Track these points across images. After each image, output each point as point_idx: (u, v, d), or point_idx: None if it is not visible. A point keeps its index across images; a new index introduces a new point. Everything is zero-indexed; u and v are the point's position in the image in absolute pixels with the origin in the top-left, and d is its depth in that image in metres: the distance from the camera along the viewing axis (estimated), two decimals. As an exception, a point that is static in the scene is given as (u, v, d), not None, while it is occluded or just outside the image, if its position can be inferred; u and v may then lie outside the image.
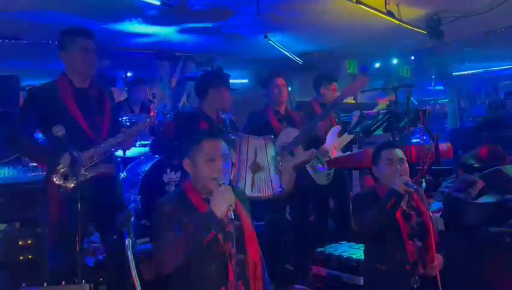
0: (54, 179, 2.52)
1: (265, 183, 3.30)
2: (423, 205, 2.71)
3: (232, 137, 3.23)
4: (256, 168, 3.25)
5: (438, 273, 2.56)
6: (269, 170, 3.32)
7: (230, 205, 1.97)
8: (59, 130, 2.41)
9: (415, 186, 2.58)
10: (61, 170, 2.53)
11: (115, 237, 2.67)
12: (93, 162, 2.64)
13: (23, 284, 2.04)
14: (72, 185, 2.52)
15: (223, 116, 3.51)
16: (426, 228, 2.60)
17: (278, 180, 3.31)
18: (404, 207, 2.66)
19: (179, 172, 4.11)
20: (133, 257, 1.74)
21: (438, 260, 2.65)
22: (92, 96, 2.82)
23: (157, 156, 4.44)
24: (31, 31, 5.16)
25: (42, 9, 4.57)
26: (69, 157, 2.52)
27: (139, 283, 1.72)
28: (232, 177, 3.03)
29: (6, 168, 3.53)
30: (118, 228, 2.73)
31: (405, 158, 2.73)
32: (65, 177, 2.53)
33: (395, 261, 2.59)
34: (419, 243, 2.63)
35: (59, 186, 2.52)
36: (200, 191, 2.13)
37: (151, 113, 3.04)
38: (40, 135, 2.95)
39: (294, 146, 3.63)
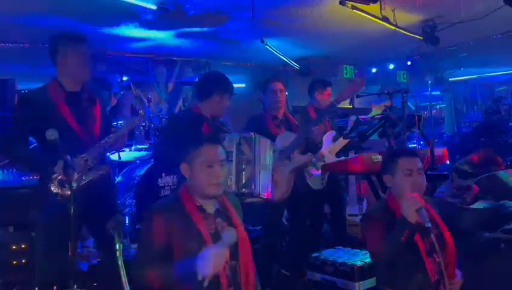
0: (52, 189, 2.50)
1: (268, 184, 3.26)
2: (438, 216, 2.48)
3: (244, 134, 3.15)
4: (264, 168, 3.20)
5: None
6: (267, 173, 3.28)
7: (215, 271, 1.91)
8: (52, 134, 2.39)
9: (429, 224, 2.24)
10: (58, 178, 2.51)
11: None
12: (89, 166, 2.62)
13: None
14: (69, 192, 2.48)
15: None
16: (444, 241, 2.40)
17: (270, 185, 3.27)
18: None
19: (175, 176, 4.08)
20: (124, 262, 1.72)
21: (458, 276, 2.42)
22: (84, 100, 2.79)
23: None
24: (27, 35, 5.15)
25: (39, 13, 4.57)
26: (62, 163, 2.50)
27: (129, 288, 1.70)
28: (249, 175, 2.99)
29: (0, 171, 3.51)
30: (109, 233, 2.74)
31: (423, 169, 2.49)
32: (62, 185, 2.51)
33: (414, 285, 2.35)
34: (439, 259, 2.35)
35: (57, 194, 2.50)
36: (196, 198, 2.12)
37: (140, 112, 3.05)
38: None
39: (291, 151, 3.61)
